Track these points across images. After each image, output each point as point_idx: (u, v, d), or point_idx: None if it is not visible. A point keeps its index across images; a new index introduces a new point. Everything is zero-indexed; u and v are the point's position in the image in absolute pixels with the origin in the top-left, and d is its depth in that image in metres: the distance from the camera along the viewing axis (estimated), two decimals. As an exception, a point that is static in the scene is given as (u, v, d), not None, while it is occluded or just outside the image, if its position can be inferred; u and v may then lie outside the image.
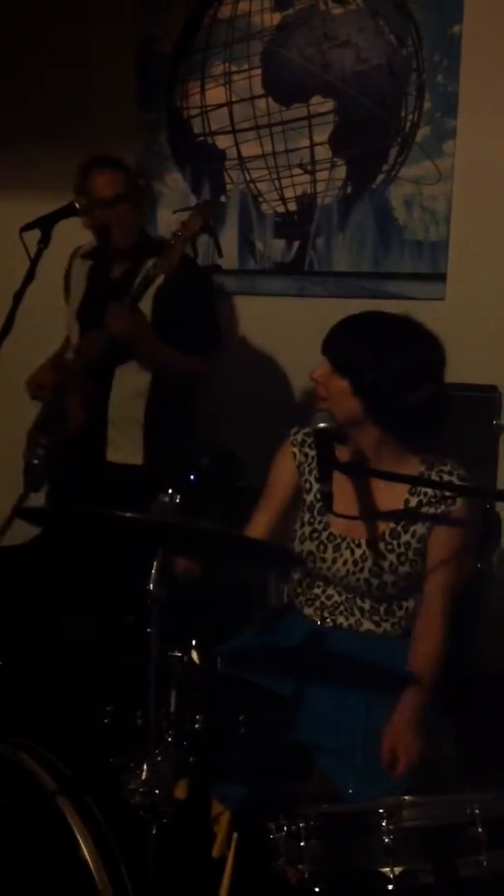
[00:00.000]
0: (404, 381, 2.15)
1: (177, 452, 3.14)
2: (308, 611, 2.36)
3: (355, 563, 2.27)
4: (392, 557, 2.25)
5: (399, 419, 2.20)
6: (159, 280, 3.02)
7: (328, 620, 2.32)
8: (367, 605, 2.30)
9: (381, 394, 2.16)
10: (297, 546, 2.33)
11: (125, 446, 3.16)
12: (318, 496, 2.29)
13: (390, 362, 2.16)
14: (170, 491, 1.78)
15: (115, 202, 3.11)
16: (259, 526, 2.35)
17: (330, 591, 2.33)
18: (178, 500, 1.77)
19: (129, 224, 3.15)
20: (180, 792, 1.90)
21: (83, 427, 3.14)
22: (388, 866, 1.70)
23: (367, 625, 2.30)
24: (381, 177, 3.58)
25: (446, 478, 2.23)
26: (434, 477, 2.23)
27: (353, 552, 2.27)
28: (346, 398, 2.20)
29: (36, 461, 3.21)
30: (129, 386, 3.14)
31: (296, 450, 2.36)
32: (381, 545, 2.25)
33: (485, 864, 1.70)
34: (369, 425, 2.22)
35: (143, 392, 3.14)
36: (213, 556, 2.02)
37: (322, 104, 3.62)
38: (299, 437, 2.37)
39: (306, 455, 2.34)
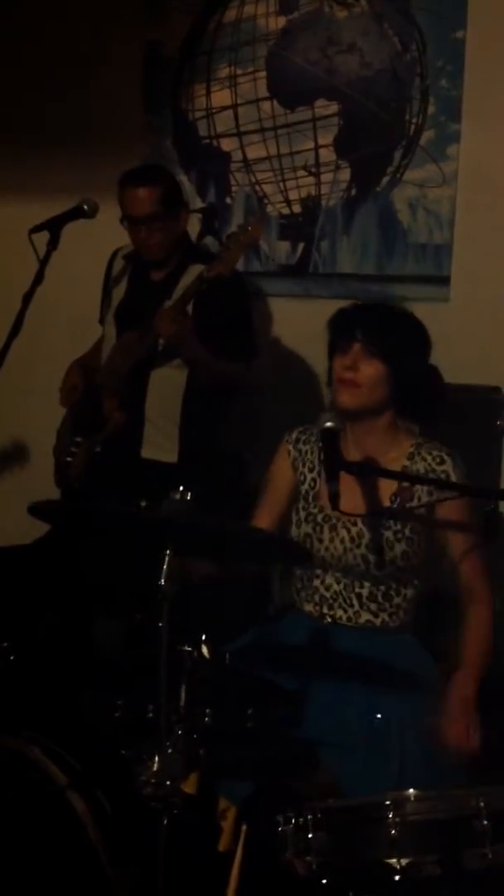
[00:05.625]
0: (428, 366, 2.34)
1: (209, 451, 3.15)
2: (308, 607, 2.37)
3: (352, 539, 2.30)
4: (388, 534, 2.29)
5: (414, 403, 2.31)
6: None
7: (327, 616, 2.33)
8: (365, 591, 2.31)
9: (413, 378, 2.28)
10: (293, 531, 2.37)
11: (160, 444, 3.17)
12: (313, 484, 2.36)
13: (422, 347, 2.33)
14: (181, 488, 1.80)
15: (145, 221, 3.11)
16: (261, 526, 2.37)
17: (328, 579, 2.34)
18: (188, 498, 1.80)
19: (160, 240, 3.13)
20: (189, 787, 1.93)
21: (125, 427, 3.15)
22: (394, 858, 1.73)
23: (365, 615, 2.31)
24: (385, 179, 3.60)
25: (435, 453, 2.30)
26: (425, 455, 2.30)
27: (349, 530, 2.31)
28: (380, 384, 2.26)
29: (69, 459, 3.23)
30: (166, 383, 3.15)
31: (290, 447, 2.43)
32: (378, 521, 2.29)
33: (489, 856, 1.73)
34: (386, 411, 2.31)
35: (180, 389, 3.15)
36: (222, 551, 2.05)
37: (326, 107, 3.64)
38: (294, 434, 2.44)
39: (300, 451, 2.41)
